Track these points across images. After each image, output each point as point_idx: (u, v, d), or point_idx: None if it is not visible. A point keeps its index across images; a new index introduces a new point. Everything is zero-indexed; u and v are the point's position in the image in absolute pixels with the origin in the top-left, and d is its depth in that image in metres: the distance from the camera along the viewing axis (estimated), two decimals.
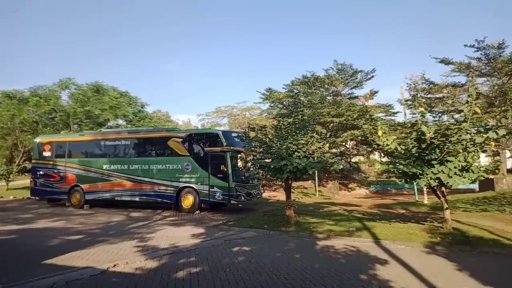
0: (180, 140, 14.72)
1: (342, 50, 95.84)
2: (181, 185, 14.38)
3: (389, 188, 27.09)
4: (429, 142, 8.86)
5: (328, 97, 30.89)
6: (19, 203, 19.76)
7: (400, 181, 10.14)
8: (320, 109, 26.30)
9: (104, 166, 15.94)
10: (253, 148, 12.55)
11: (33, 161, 18.29)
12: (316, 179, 23.23)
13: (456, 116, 8.93)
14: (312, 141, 11.30)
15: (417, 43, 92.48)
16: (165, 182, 14.68)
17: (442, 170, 8.56)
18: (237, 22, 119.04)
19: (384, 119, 27.23)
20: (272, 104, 33.10)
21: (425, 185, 9.20)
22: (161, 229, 10.62)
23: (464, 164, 8.49)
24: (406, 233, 8.93)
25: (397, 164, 9.36)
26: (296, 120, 11.55)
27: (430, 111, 10.31)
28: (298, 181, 14.63)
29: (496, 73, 21.62)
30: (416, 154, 9.12)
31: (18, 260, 7.03)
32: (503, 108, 15.87)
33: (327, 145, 24.90)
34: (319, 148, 11.76)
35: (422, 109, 9.50)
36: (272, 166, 10.63)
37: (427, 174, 8.73)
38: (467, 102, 8.58)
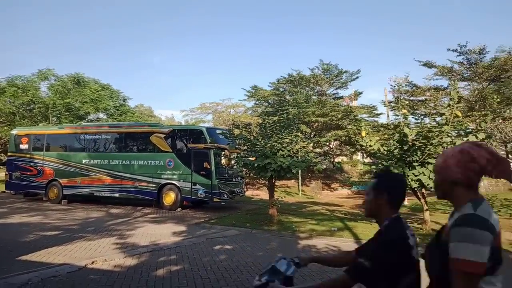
0: (163, 135, 14.50)
1: (327, 50, 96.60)
2: (163, 181, 14.18)
3: None
4: (411, 144, 9.01)
5: (313, 97, 31.09)
6: None
7: None
8: (305, 108, 26.43)
9: (84, 161, 15.56)
10: (237, 146, 12.47)
11: (9, 153, 17.67)
12: (300, 178, 23.35)
13: (438, 119, 9.10)
14: (297, 140, 11.34)
15: (402, 45, 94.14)
16: (147, 178, 14.44)
17: (423, 172, 8.72)
18: (223, 20, 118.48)
19: (368, 120, 27.60)
20: (257, 102, 33.10)
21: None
22: (142, 226, 10.44)
23: None
24: None
25: (379, 165, 9.49)
26: (281, 118, 11.54)
27: (413, 113, 10.48)
28: (281, 180, 14.66)
29: (477, 77, 22.23)
30: (398, 156, 9.26)
31: None
32: (483, 113, 16.29)
33: (311, 144, 25.05)
34: (303, 147, 11.81)
35: (405, 111, 9.66)
36: (256, 164, 10.60)
37: (408, 176, 8.87)
38: (449, 105, 8.76)
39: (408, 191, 11.02)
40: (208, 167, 13.53)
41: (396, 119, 9.95)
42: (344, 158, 35.34)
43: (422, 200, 9.46)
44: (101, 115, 30.70)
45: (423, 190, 9.43)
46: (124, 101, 33.01)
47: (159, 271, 5.87)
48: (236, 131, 11.99)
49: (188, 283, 5.23)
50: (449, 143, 8.59)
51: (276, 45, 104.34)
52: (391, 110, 20.89)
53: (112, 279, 5.36)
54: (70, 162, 15.75)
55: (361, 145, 9.92)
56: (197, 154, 13.78)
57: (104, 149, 15.73)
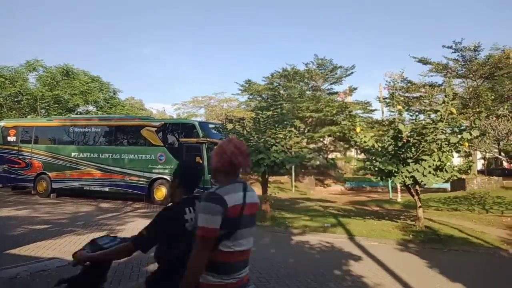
0: (154, 129, 14.29)
1: (321, 45, 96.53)
2: (154, 176, 13.97)
3: (364, 186, 27.60)
4: (405, 140, 8.95)
5: (308, 92, 31.04)
6: None
7: (376, 178, 10.24)
8: (299, 104, 26.37)
9: (73, 154, 15.28)
10: None
11: None
12: (293, 174, 23.33)
13: (433, 115, 9.05)
14: (291, 135, 11.24)
15: (396, 42, 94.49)
16: (137, 172, 14.22)
17: (417, 169, 8.68)
18: (216, 13, 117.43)
19: (362, 116, 27.64)
20: (250, 96, 32.95)
21: (400, 183, 9.33)
22: (132, 221, 10.26)
23: (438, 163, 8.64)
24: (379, 230, 9.02)
25: (374, 161, 9.44)
26: (275, 113, 11.42)
27: (408, 110, 10.43)
28: (275, 175, 14.57)
29: (471, 75, 22.34)
30: (393, 152, 9.21)
31: None
32: (477, 110, 16.41)
33: (305, 140, 25.04)
34: (297, 143, 11.73)
35: (400, 107, 9.60)
36: None
37: (402, 172, 8.83)
38: (444, 102, 8.71)
39: (402, 187, 11.04)
40: (201, 161, 13.36)
41: (391, 115, 9.92)
42: (338, 154, 35.41)
43: (416, 197, 9.43)
44: (90, 107, 30.31)
45: (417, 187, 9.41)
46: (114, 93, 32.60)
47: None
48: (229, 126, 11.86)
49: None
50: (443, 140, 8.56)
51: (270, 40, 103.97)
52: (385, 106, 20.94)
53: None
54: (59, 155, 15.45)
55: (355, 141, 9.84)
56: (189, 149, 13.59)
57: (94, 143, 15.47)
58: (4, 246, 6.72)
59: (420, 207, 9.49)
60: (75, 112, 28.47)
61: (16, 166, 16.03)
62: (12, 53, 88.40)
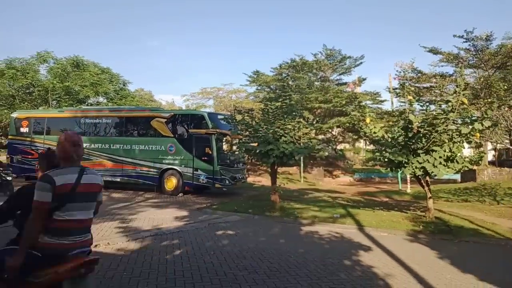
0: (163, 120, 14.38)
1: (330, 37, 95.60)
2: (164, 166, 14.11)
3: (373, 176, 27.48)
4: (416, 131, 8.87)
5: (316, 83, 30.78)
6: None
7: (386, 169, 10.20)
8: (308, 94, 26.20)
9: (84, 145, 15.39)
10: (239, 132, 12.36)
11: (9, 137, 17.63)
12: (302, 165, 23.33)
13: (444, 106, 8.94)
14: (299, 126, 11.21)
15: (405, 32, 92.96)
16: (148, 163, 14.38)
17: (427, 160, 8.62)
18: (223, 4, 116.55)
19: (371, 107, 27.36)
20: (259, 87, 32.79)
21: (410, 174, 9.28)
22: (143, 210, 10.42)
23: (449, 154, 8.57)
24: (389, 221, 9.03)
25: (383, 152, 9.38)
26: (284, 104, 11.39)
27: (418, 100, 10.29)
28: (284, 166, 14.60)
29: (482, 65, 21.91)
30: (403, 143, 9.14)
31: None
32: (488, 100, 16.12)
33: (314, 131, 24.93)
34: (306, 134, 11.70)
35: (410, 97, 9.50)
36: (258, 151, 10.51)
37: (412, 163, 8.78)
38: (455, 92, 8.59)
39: (412, 178, 11.00)
40: (210, 152, 13.43)
41: (401, 105, 9.82)
42: (347, 146, 35.23)
43: (426, 188, 9.39)
44: (101, 99, 30.47)
45: (427, 178, 9.36)
46: (124, 85, 32.69)
47: (162, 255, 5.84)
48: (238, 117, 11.86)
49: (191, 267, 5.20)
50: (454, 131, 8.47)
51: (278, 31, 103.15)
52: (395, 97, 20.69)
53: (115, 262, 5.33)
54: None
55: (365, 132, 9.78)
56: (198, 140, 13.68)
57: (105, 133, 15.64)
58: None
59: (430, 198, 9.45)
60: (86, 103, 28.68)
61: (30, 156, 16.30)
62: (23, 45, 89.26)
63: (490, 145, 25.14)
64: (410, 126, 8.85)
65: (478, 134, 8.72)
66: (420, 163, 8.67)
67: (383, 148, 9.70)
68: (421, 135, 8.72)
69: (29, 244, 2.31)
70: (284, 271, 5.15)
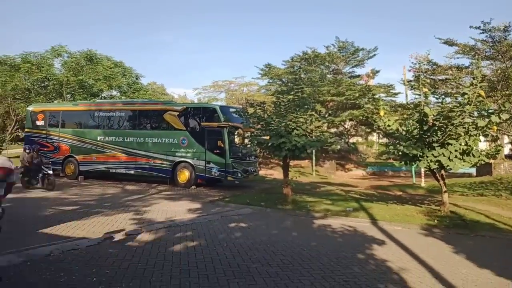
0: (176, 113, 14.45)
1: (342, 30, 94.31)
2: (177, 159, 14.23)
3: (386, 170, 27.16)
4: (431, 124, 8.72)
5: (328, 75, 30.40)
6: None
7: (400, 163, 10.07)
8: (320, 87, 25.93)
9: (99, 138, 15.70)
10: (251, 125, 12.34)
11: (26, 130, 18.00)
12: (314, 158, 23.21)
13: (459, 98, 8.74)
14: (312, 119, 11.13)
15: (419, 25, 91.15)
16: (161, 156, 14.51)
17: (442, 153, 8.47)
18: None
19: (385, 100, 26.92)
20: (270, 80, 32.57)
21: (425, 167, 9.14)
22: (157, 203, 10.55)
23: (465, 147, 8.41)
24: (403, 215, 8.93)
25: (398, 146, 9.26)
26: (296, 97, 11.30)
27: (433, 93, 10.07)
28: (296, 159, 14.54)
29: (500, 56, 21.26)
30: (417, 136, 9.00)
31: (13, 229, 6.89)
32: (506, 93, 15.72)
33: (326, 124, 24.73)
34: (318, 127, 11.61)
35: (425, 89, 9.31)
36: (270, 144, 10.49)
37: (427, 157, 8.65)
38: (472, 84, 8.38)
39: (427, 172, 10.86)
40: (222, 145, 13.47)
41: (416, 98, 9.63)
42: (360, 139, 34.87)
43: (441, 182, 9.25)
44: (114, 92, 30.81)
45: (442, 172, 9.21)
46: (136, 78, 32.99)
47: (176, 246, 5.91)
48: (250, 110, 11.83)
49: (204, 259, 5.25)
50: (470, 124, 8.29)
51: (290, 24, 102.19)
52: (410, 89, 20.24)
53: (130, 253, 5.43)
54: (85, 138, 15.92)
55: (379, 125, 9.65)
56: (210, 133, 13.72)
57: (119, 126, 15.82)
58: (37, 226, 7.07)
59: (445, 191, 9.31)
60: (100, 97, 29.02)
61: (45, 149, 16.61)
62: (37, 40, 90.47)
63: (507, 139, 24.51)
64: (425, 119, 8.70)
65: (495, 127, 8.53)
66: (435, 157, 8.53)
67: (397, 142, 9.57)
68: (436, 128, 8.57)
69: None
70: (297, 264, 5.16)
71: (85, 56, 28.27)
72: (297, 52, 31.75)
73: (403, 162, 9.76)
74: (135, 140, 15.06)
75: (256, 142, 11.36)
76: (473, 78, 8.44)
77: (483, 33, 20.42)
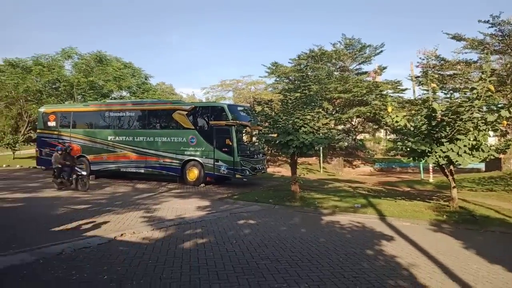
0: (185, 112, 14.57)
1: (348, 27, 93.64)
2: (186, 158, 14.36)
3: (393, 166, 27.03)
4: (439, 119, 8.67)
5: (335, 73, 30.26)
6: (26, 172, 19.95)
7: (408, 159, 10.03)
8: (327, 85, 25.85)
9: (109, 137, 15.91)
10: (259, 123, 12.39)
11: (38, 130, 18.32)
12: (321, 155, 23.18)
13: (468, 93, 8.66)
14: (319, 116, 11.15)
15: (426, 20, 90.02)
16: (170, 154, 14.66)
17: (451, 149, 8.43)
18: None
19: (392, 96, 26.74)
20: (277, 79, 32.55)
21: (433, 163, 9.09)
22: (167, 200, 10.68)
23: (474, 142, 8.35)
24: (411, 211, 8.91)
25: (406, 142, 9.23)
26: (303, 94, 11.32)
27: (442, 88, 10.02)
28: (303, 156, 14.56)
29: (509, 50, 20.95)
30: (426, 132, 8.96)
31: (26, 227, 7.10)
32: None
33: (333, 121, 24.65)
34: (325, 124, 11.62)
35: (434, 85, 9.26)
36: (278, 141, 10.53)
37: (436, 152, 8.61)
38: (481, 78, 8.30)
39: (436, 168, 10.78)
40: (230, 144, 13.56)
41: (424, 93, 9.58)
42: (367, 135, 34.69)
43: (450, 177, 9.19)
44: (124, 93, 31.13)
45: (451, 167, 9.15)
46: (146, 79, 33.28)
47: (185, 243, 6.00)
48: (258, 108, 11.89)
49: (214, 255, 5.33)
50: (479, 119, 8.22)
51: (296, 22, 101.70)
52: (418, 85, 20.07)
53: (141, 251, 5.52)
54: (96, 138, 16.14)
55: (387, 122, 9.61)
56: (219, 131, 13.81)
57: (129, 126, 16.00)
58: (50, 224, 7.22)
59: (454, 187, 9.26)
60: (110, 97, 29.36)
61: None
62: (46, 41, 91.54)
63: None
64: (433, 114, 8.65)
65: (505, 122, 8.44)
66: (444, 152, 8.49)
67: (405, 137, 9.53)
68: (445, 123, 8.51)
69: None
70: (306, 260, 5.20)
71: (95, 57, 28.62)
72: (303, 50, 31.69)
73: (411, 158, 9.72)
74: (145, 140, 15.23)
75: (264, 140, 11.42)
76: (482, 73, 8.36)
77: (492, 27, 20.14)
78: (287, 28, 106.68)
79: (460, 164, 8.81)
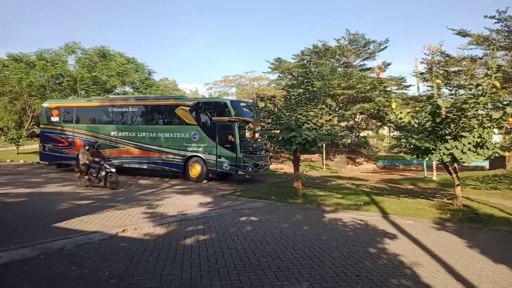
0: (187, 108, 14.53)
1: (354, 22, 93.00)
2: (189, 154, 14.34)
3: (397, 164, 26.88)
4: (444, 116, 8.57)
5: (339, 69, 30.10)
6: (29, 167, 20.02)
7: (412, 156, 9.94)
8: (330, 81, 25.71)
9: (112, 133, 15.91)
10: (261, 119, 12.34)
11: (41, 126, 18.36)
12: (324, 152, 23.11)
13: (473, 90, 8.55)
14: (322, 113, 11.07)
15: (430, 15, 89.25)
16: (173, 150, 14.64)
17: (456, 146, 8.33)
18: None
19: (396, 93, 26.57)
20: (281, 75, 32.46)
21: (437, 160, 9.01)
22: (169, 197, 10.67)
23: (478, 140, 8.25)
24: (415, 209, 8.85)
25: (410, 139, 9.14)
26: (306, 91, 11.24)
27: (446, 84, 9.90)
28: (306, 153, 14.51)
29: None
30: (430, 129, 8.85)
31: (28, 223, 7.10)
32: None
33: (336, 118, 24.56)
34: (329, 120, 11.55)
35: (438, 81, 9.16)
36: (281, 138, 10.47)
37: (440, 150, 8.51)
38: (486, 75, 8.18)
39: (439, 165, 10.71)
40: (233, 140, 13.51)
41: (429, 90, 9.48)
42: (370, 132, 34.56)
43: (454, 175, 9.11)
44: (127, 88, 31.12)
45: (455, 165, 9.06)
46: (149, 74, 33.25)
47: (187, 240, 5.98)
48: (261, 104, 11.82)
49: (216, 252, 5.31)
50: (484, 116, 8.12)
51: (300, 17, 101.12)
52: (422, 82, 19.89)
53: (142, 247, 5.51)
54: (99, 134, 16.14)
55: (390, 119, 9.53)
56: (221, 127, 13.77)
57: (132, 122, 16.00)
58: (51, 220, 7.23)
59: (458, 185, 9.18)
60: (113, 93, 29.36)
61: (60, 145, 16.95)
62: (50, 35, 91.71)
63: None
64: (438, 111, 8.54)
65: (510, 119, 8.32)
66: (448, 150, 8.39)
67: (409, 134, 9.44)
68: (449, 120, 8.40)
69: None
70: (308, 258, 5.17)
71: (98, 52, 28.59)
72: (307, 46, 31.52)
73: (415, 156, 9.64)
74: (147, 135, 15.22)
75: (266, 136, 11.37)
76: (488, 69, 8.22)
77: (498, 22, 19.85)
78: (291, 23, 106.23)
79: (464, 162, 8.71)
